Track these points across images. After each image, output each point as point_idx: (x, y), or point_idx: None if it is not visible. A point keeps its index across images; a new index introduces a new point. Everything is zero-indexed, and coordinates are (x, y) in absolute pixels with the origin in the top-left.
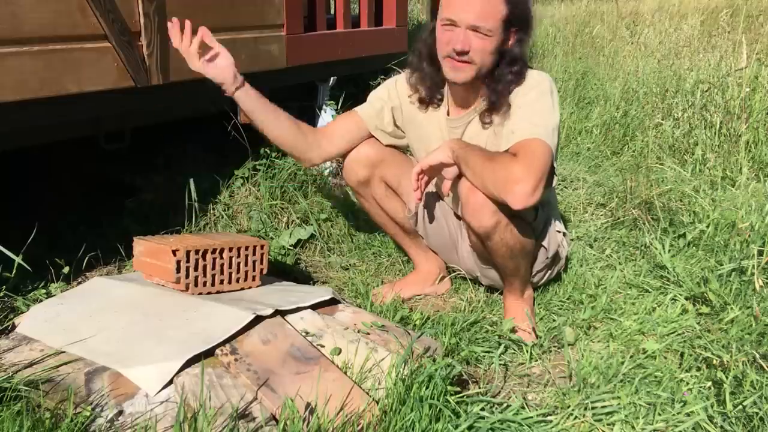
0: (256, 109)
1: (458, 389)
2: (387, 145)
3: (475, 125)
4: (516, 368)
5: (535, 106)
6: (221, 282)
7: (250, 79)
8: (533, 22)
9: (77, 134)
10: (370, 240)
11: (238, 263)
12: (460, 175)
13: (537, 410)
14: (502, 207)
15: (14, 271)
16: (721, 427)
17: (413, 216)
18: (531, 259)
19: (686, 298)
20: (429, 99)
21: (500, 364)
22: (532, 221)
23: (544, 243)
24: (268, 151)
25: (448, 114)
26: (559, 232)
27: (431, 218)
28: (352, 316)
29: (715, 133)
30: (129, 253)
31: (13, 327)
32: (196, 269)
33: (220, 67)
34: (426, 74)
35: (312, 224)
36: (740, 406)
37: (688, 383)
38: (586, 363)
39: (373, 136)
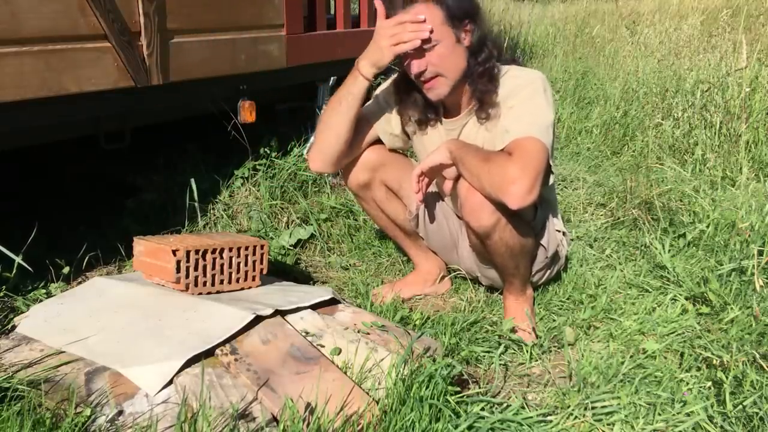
0: (360, 101)
1: (458, 389)
2: (390, 149)
3: (471, 126)
4: (516, 368)
5: (528, 104)
6: (221, 282)
7: (250, 79)
8: (479, 8)
9: (77, 134)
10: (370, 240)
11: (238, 263)
12: (460, 175)
13: (537, 410)
14: (501, 206)
15: (14, 271)
16: (721, 427)
17: (414, 218)
18: (531, 259)
19: (686, 298)
20: (425, 119)
21: (500, 364)
22: (532, 220)
23: (543, 242)
24: (268, 151)
25: (445, 117)
26: (558, 231)
27: (432, 219)
28: (352, 316)
29: (715, 133)
30: (129, 253)
31: (13, 327)
32: (196, 269)
33: None
34: (415, 97)
35: (312, 224)
36: (740, 406)
37: (688, 383)
38: (586, 363)
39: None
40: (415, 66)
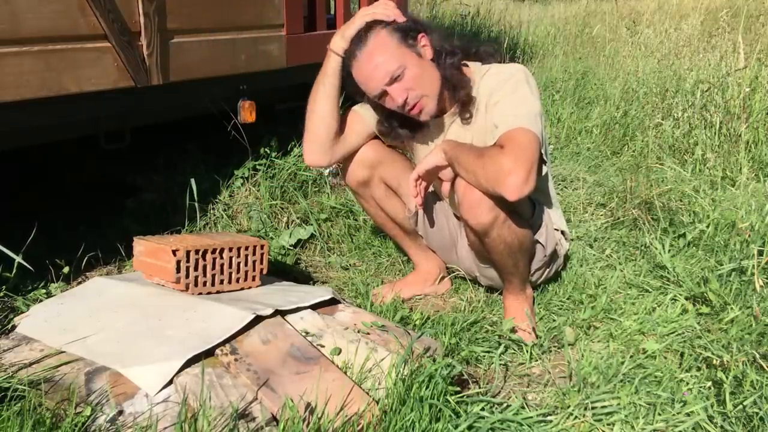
0: (336, 80)
1: (458, 389)
2: (388, 145)
3: (457, 125)
4: (516, 368)
5: (513, 96)
6: (221, 282)
7: (250, 79)
8: (419, 17)
9: (77, 134)
10: (370, 240)
11: (238, 263)
12: (456, 176)
13: (537, 410)
14: (499, 203)
15: (14, 271)
16: (721, 427)
17: (413, 216)
18: (529, 256)
19: (686, 298)
20: (414, 133)
21: (500, 364)
22: (530, 218)
23: (542, 240)
24: (268, 151)
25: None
26: (557, 229)
27: (431, 218)
28: (352, 316)
29: (715, 133)
30: (129, 253)
31: (13, 327)
32: (196, 269)
33: None
34: (398, 132)
35: (312, 224)
36: (740, 406)
37: (688, 383)
38: (586, 363)
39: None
40: (397, 97)
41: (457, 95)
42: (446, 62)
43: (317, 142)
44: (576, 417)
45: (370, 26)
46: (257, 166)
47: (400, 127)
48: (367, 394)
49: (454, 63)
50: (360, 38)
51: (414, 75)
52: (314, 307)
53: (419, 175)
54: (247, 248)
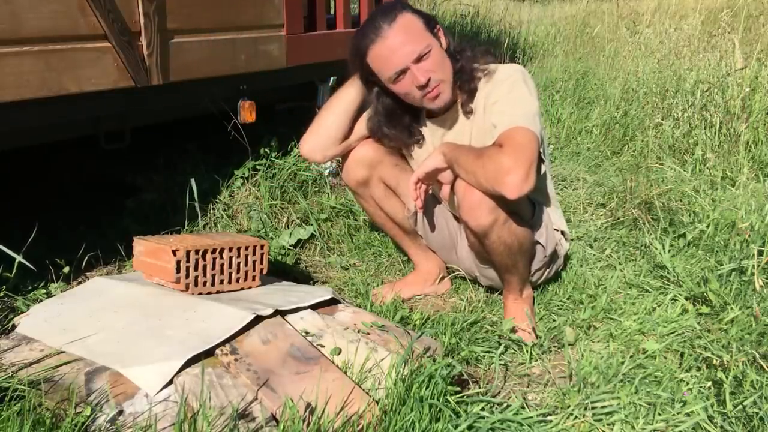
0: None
1: (458, 389)
2: (386, 145)
3: (460, 122)
4: (516, 368)
5: (511, 96)
6: (221, 282)
7: (250, 79)
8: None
9: (77, 134)
10: (370, 240)
11: (238, 263)
12: (456, 178)
13: (537, 410)
14: (499, 203)
15: (14, 271)
16: (721, 427)
17: (412, 216)
18: (529, 257)
19: (686, 298)
20: (413, 142)
21: (500, 364)
22: (530, 219)
23: (542, 241)
24: (268, 151)
25: (429, 117)
26: (557, 230)
27: (431, 220)
28: (352, 316)
29: (715, 133)
30: (129, 253)
31: (13, 327)
32: (196, 269)
33: None
34: (402, 128)
35: (312, 224)
36: (740, 406)
37: (688, 383)
38: (586, 363)
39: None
40: (420, 76)
41: (468, 86)
42: (467, 53)
43: (319, 139)
44: (576, 417)
45: (395, 6)
46: (257, 166)
47: (387, 126)
48: (367, 394)
49: (465, 59)
50: (386, 13)
51: (436, 60)
52: (314, 307)
53: (419, 178)
54: (247, 248)
